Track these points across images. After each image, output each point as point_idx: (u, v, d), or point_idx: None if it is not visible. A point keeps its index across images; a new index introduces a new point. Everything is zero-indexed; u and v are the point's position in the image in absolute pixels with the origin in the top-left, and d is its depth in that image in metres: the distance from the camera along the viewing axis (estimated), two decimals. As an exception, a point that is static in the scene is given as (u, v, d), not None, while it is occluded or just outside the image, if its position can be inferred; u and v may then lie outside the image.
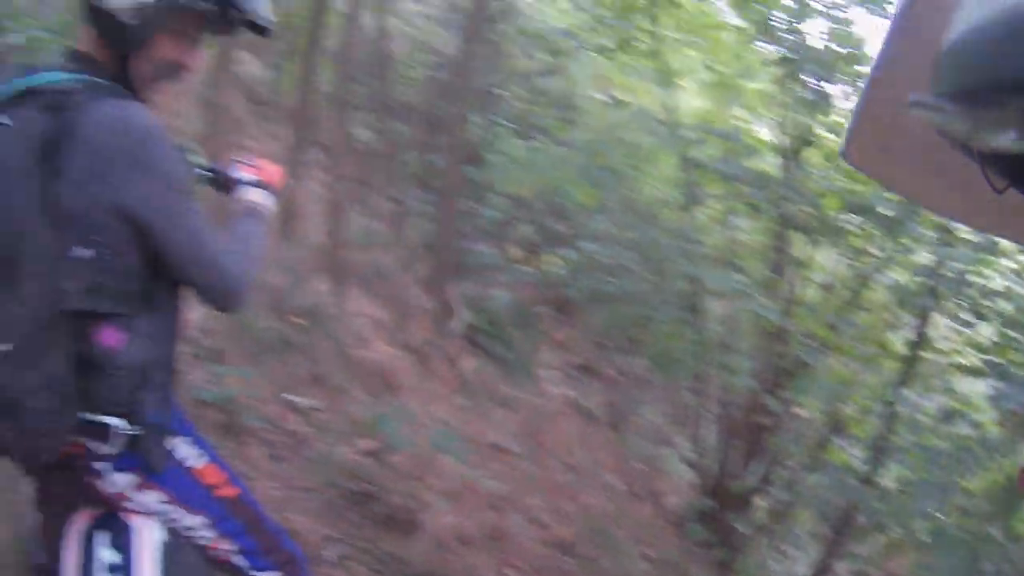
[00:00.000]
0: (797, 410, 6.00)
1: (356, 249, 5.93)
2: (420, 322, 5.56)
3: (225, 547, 2.19)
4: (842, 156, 1.21)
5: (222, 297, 1.98)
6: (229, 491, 2.18)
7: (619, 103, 7.51)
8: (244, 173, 2.28)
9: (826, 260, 6.21)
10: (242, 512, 2.20)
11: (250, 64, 8.80)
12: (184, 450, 2.10)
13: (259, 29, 2.03)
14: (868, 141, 1.13)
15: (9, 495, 3.43)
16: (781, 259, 5.89)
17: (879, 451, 5.04)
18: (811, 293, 6.20)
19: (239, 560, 2.21)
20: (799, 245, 5.85)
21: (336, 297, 5.27)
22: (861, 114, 1.11)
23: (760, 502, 6.22)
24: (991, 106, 0.66)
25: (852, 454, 5.63)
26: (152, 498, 2.05)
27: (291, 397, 4.54)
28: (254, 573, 2.24)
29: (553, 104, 8.71)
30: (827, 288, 6.03)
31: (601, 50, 6.55)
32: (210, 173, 2.29)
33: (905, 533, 4.71)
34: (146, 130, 1.81)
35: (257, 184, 2.25)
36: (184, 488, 2.09)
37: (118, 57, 1.90)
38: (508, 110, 7.53)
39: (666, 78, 6.10)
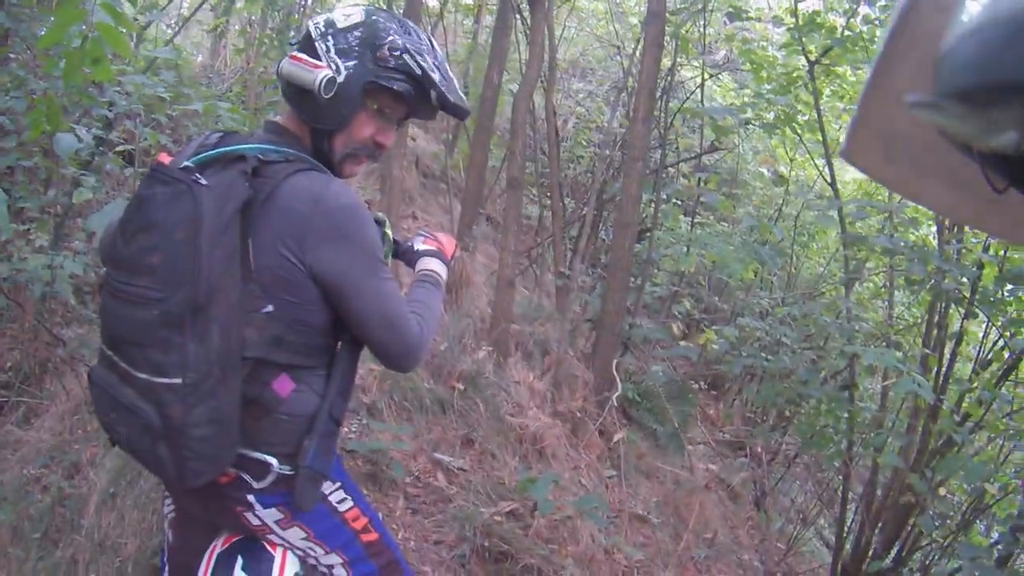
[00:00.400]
0: (942, 491, 5.86)
1: (520, 321, 6.08)
2: (576, 393, 5.64)
3: None
4: (842, 156, 1.20)
5: (402, 358, 2.04)
6: (370, 535, 2.27)
7: (781, 178, 7.52)
8: (423, 243, 2.42)
9: (981, 332, 6.09)
10: (379, 556, 2.29)
11: (421, 139, 9.24)
12: (334, 494, 2.20)
13: (454, 111, 2.13)
14: (868, 141, 1.13)
15: (144, 513, 3.74)
16: (937, 334, 5.84)
17: (1018, 532, 4.87)
18: (965, 368, 6.08)
19: None
20: (955, 319, 5.76)
21: (496, 366, 5.42)
22: (861, 114, 1.10)
23: (899, 585, 6.08)
24: (991, 106, 0.68)
25: (992, 537, 5.45)
26: (294, 534, 2.15)
27: (440, 456, 4.69)
28: None
29: (719, 181, 8.75)
30: (981, 363, 5.92)
31: (765, 125, 6.61)
32: (395, 243, 2.44)
33: None
34: (346, 204, 1.91)
35: (433, 254, 2.38)
36: (326, 528, 2.18)
37: (316, 133, 2.04)
38: (675, 187, 7.66)
39: (827, 150, 6.14)
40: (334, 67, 1.96)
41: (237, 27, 9.52)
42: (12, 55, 5.62)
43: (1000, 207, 1.02)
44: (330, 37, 1.99)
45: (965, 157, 0.83)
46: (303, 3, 8.59)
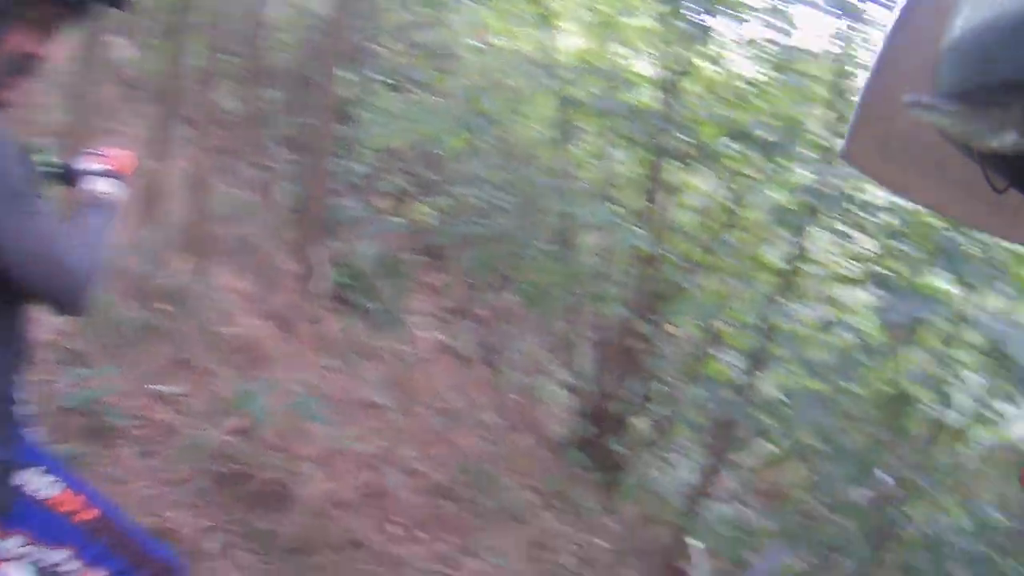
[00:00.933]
0: (671, 330, 6.15)
1: (222, 222, 5.84)
2: (286, 288, 5.55)
3: (95, 574, 2.10)
4: (842, 156, 1.21)
5: (67, 302, 1.84)
6: (88, 514, 2.10)
7: (495, 49, 7.49)
8: (91, 164, 2.18)
9: (704, 186, 6.35)
10: (105, 532, 2.12)
11: (123, 48, 8.62)
12: (35, 481, 2.04)
13: (116, 2, 1.90)
14: (868, 141, 1.13)
15: None
16: (655, 188, 6.03)
17: (757, 362, 5.13)
18: (687, 218, 6.35)
19: None
20: (673, 172, 5.97)
21: (200, 275, 5.21)
22: (861, 114, 1.10)
23: (639, 422, 6.40)
24: (991, 106, 0.68)
25: (731, 365, 5.77)
26: (11, 543, 1.97)
27: (156, 387, 4.47)
28: None
29: (431, 56, 8.66)
30: (703, 212, 6.20)
31: (477, -1, 6.48)
32: (56, 169, 2.20)
33: (791, 443, 4.76)
34: None
35: (105, 174, 2.16)
36: (40, 524, 2.02)
37: None
38: (383, 65, 7.49)
39: (544, 21, 6.17)
40: None
41: None
42: None
43: (1000, 207, 1.02)
44: None
45: (965, 157, 0.82)
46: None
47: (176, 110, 6.09)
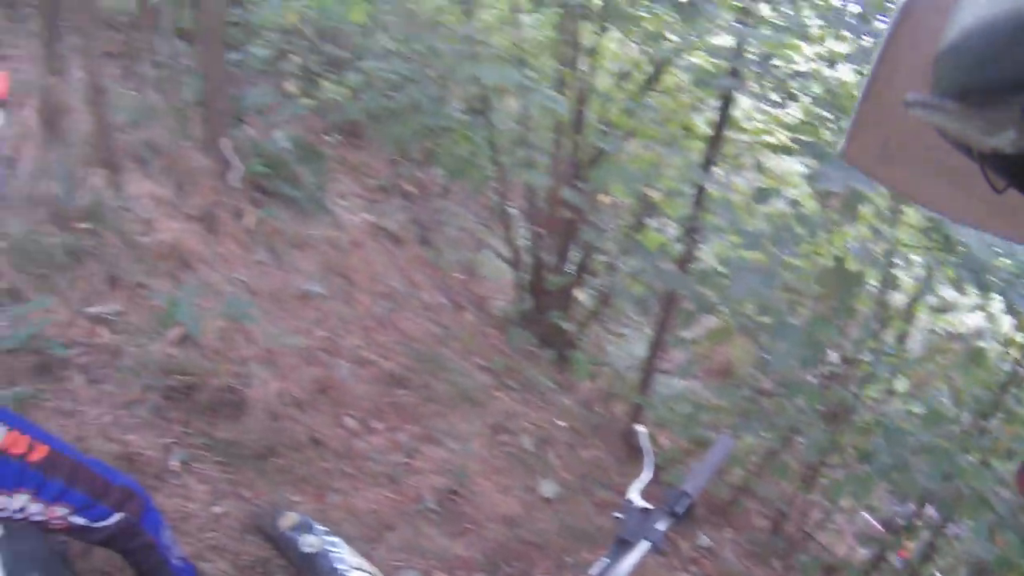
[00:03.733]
0: (603, 199, 6.17)
1: (127, 129, 5.62)
2: (202, 186, 5.37)
3: (58, 513, 2.14)
4: (841, 156, 1.18)
5: None
6: (38, 452, 2.10)
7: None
8: None
9: (621, 50, 6.27)
10: (59, 468, 2.14)
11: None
12: None
13: None
14: (868, 141, 1.11)
15: None
16: (571, 52, 5.92)
17: (693, 232, 5.15)
18: (606, 82, 6.27)
19: (77, 519, 2.17)
20: (588, 36, 5.87)
21: (114, 188, 5.04)
22: (861, 114, 1.08)
23: (582, 295, 6.49)
24: (991, 106, 0.67)
25: (668, 235, 5.83)
26: None
27: (92, 309, 4.36)
28: (96, 525, 2.21)
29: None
30: (622, 76, 6.13)
31: None
32: None
33: (733, 317, 4.82)
34: None
35: None
36: None
37: None
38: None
39: None
40: None
41: None
42: None
43: (1000, 207, 1.01)
44: None
45: (965, 157, 0.80)
46: None
47: (57, 19, 5.73)
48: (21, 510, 2.07)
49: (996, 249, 3.74)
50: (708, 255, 5.47)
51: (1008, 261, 3.95)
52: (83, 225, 4.71)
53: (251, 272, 5.15)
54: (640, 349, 6.28)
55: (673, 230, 5.80)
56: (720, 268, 4.78)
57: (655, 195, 5.74)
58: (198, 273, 4.83)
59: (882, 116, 1.07)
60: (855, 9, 4.40)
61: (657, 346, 5.70)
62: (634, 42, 5.82)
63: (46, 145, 4.85)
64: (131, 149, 5.51)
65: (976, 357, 4.67)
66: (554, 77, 5.95)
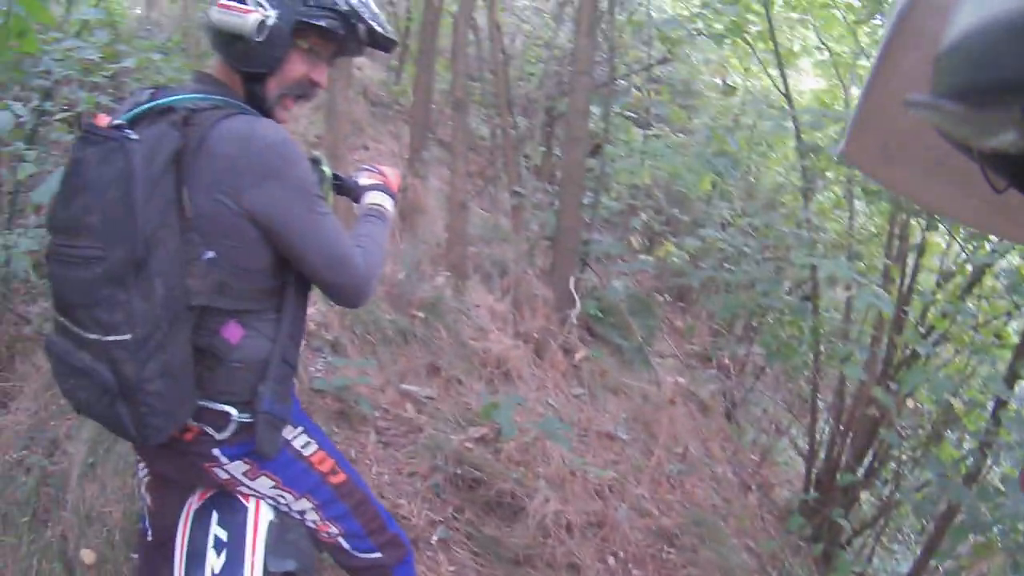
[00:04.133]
0: (910, 403, 5.87)
1: (477, 243, 5.99)
2: (538, 313, 5.58)
3: (331, 530, 2.30)
4: (841, 156, 1.20)
5: (350, 294, 2.06)
6: (338, 477, 2.28)
7: (732, 88, 7.42)
8: (366, 178, 2.40)
9: (944, 245, 6.06)
10: (348, 496, 2.30)
11: (368, 68, 9.05)
12: (297, 439, 2.21)
13: (382, 43, 2.14)
14: (868, 141, 1.13)
15: (124, 479, 3.71)
16: (899, 245, 5.81)
17: (986, 447, 4.85)
18: (928, 280, 6.06)
19: (344, 542, 2.33)
20: (916, 230, 5.73)
21: (455, 290, 5.35)
22: (861, 114, 1.10)
23: (866, 497, 6.12)
24: (991, 106, 0.67)
25: (962, 450, 5.46)
26: (262, 483, 2.17)
27: (407, 387, 4.64)
28: (356, 554, 2.37)
29: (671, 92, 8.66)
30: (944, 275, 5.90)
31: (713, 37, 6.50)
32: (336, 179, 2.40)
33: (1003, 535, 4.52)
34: (274, 142, 1.90)
35: (378, 188, 2.37)
36: (293, 474, 2.20)
37: (246, 78, 2.03)
38: (626, 100, 7.52)
39: (780, 60, 6.04)
40: (262, 10, 1.92)
41: (168, -25, 9.26)
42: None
43: (1000, 207, 1.01)
44: None
45: (965, 157, 0.81)
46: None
47: (428, 132, 6.29)
48: (301, 513, 2.27)
49: None
50: (995, 473, 5.03)
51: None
52: (419, 313, 5.06)
53: (565, 401, 5.27)
54: (904, 568, 5.80)
55: (968, 444, 5.40)
56: (1000, 487, 4.51)
57: (958, 405, 5.35)
58: (517, 388, 4.99)
59: (882, 116, 1.07)
60: None
61: (922, 567, 5.28)
62: (959, 241, 5.60)
63: (400, 235, 5.22)
64: (478, 262, 5.90)
65: None
66: (879, 267, 5.78)
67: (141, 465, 2.35)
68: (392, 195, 2.40)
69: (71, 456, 3.89)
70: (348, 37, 2.05)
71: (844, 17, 6.32)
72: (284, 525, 2.24)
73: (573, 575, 4.17)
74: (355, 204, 2.40)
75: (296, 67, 2.04)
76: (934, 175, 1.12)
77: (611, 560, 4.42)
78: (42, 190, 3.65)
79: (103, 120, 1.88)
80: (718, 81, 9.16)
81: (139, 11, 10.25)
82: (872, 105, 1.06)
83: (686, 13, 7.84)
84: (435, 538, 3.86)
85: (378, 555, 2.40)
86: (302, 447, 2.23)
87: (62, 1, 5.15)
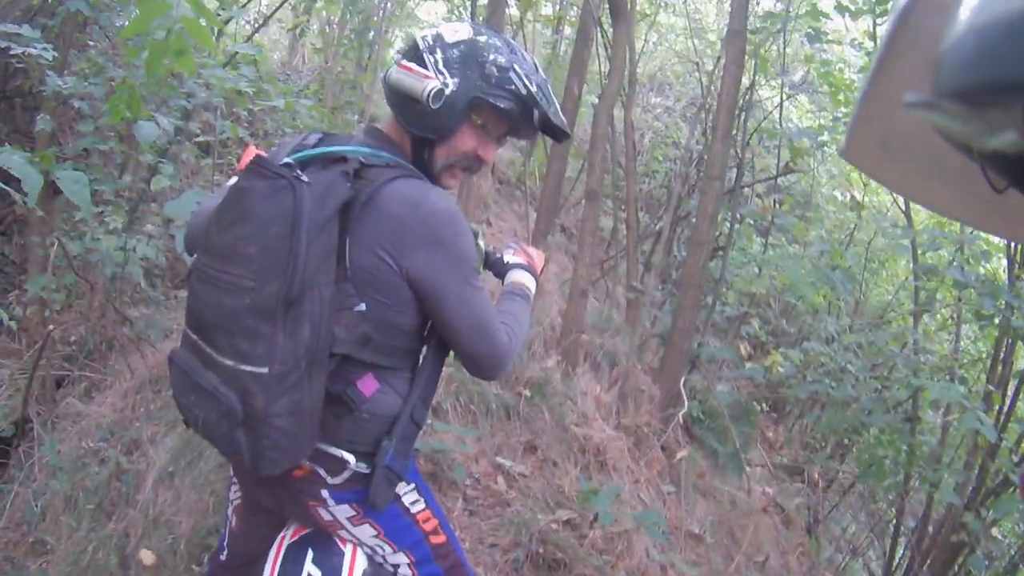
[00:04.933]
0: (994, 531, 5.79)
1: (590, 332, 6.08)
2: (642, 408, 5.65)
3: None
4: (841, 156, 1.20)
5: (490, 365, 2.06)
6: (438, 538, 2.30)
7: (858, 204, 7.48)
8: (512, 256, 2.47)
9: None
10: (445, 558, 2.31)
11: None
12: (407, 495, 2.24)
13: (555, 133, 2.17)
14: (868, 141, 1.12)
15: (201, 494, 3.81)
16: (1001, 371, 5.81)
17: None
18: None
19: None
20: (1020, 357, 5.71)
21: (564, 375, 5.45)
22: (861, 114, 1.08)
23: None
24: (991, 106, 0.67)
25: None
26: (365, 531, 2.18)
27: (502, 460, 4.73)
28: None
29: (793, 203, 8.73)
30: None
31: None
32: (485, 253, 2.45)
33: None
34: (444, 211, 1.93)
35: (523, 267, 2.42)
36: (397, 528, 2.22)
37: (416, 140, 2.07)
38: (749, 207, 7.64)
39: None
40: (442, 79, 1.99)
41: (316, 27, 9.66)
42: (91, 42, 5.82)
43: (1000, 207, 1.02)
44: (439, 50, 2.03)
45: (965, 157, 0.82)
46: (383, 5, 8.72)
47: (554, 217, 6.44)
48: (396, 567, 2.27)
49: None
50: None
51: None
52: (525, 392, 5.16)
53: (656, 496, 5.29)
54: None
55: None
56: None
57: None
58: (611, 478, 5.04)
59: (882, 116, 1.05)
60: None
61: None
62: None
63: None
64: (589, 350, 5.97)
65: None
66: (980, 395, 5.76)
67: (235, 488, 2.39)
68: (536, 276, 2.44)
69: (150, 459, 4.04)
70: (523, 121, 2.09)
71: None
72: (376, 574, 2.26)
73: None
74: (499, 279, 2.45)
75: (466, 140, 2.07)
76: (934, 175, 1.11)
77: (681, 659, 4.37)
78: (174, 205, 3.79)
79: (256, 153, 1.94)
80: (838, 195, 9.21)
81: (279, 55, 10.71)
82: (872, 105, 1.04)
83: (814, 125, 7.97)
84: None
85: None
86: (411, 504, 2.25)
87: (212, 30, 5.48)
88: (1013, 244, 5.51)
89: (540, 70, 2.13)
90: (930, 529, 6.09)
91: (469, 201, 5.99)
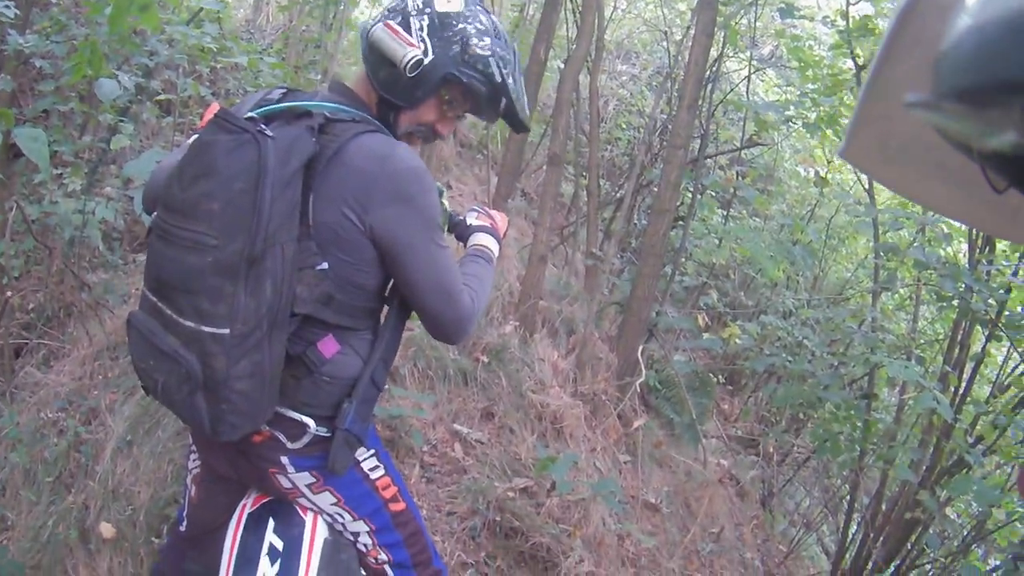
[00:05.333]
0: (949, 510, 5.86)
1: (548, 298, 6.06)
2: (599, 375, 5.63)
3: (380, 556, 2.30)
4: (841, 156, 1.20)
5: (451, 328, 2.04)
6: (397, 505, 2.30)
7: (823, 180, 7.49)
8: (475, 218, 2.44)
9: (1001, 356, 6.06)
10: (404, 526, 2.32)
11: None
12: (367, 460, 2.23)
13: (516, 124, 2.17)
14: (868, 141, 1.12)
15: (160, 463, 3.77)
16: (958, 353, 5.83)
17: (1019, 560, 4.85)
18: (982, 390, 6.08)
19: (390, 571, 2.32)
20: (978, 339, 5.74)
21: (521, 341, 5.42)
22: (861, 114, 1.09)
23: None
24: (991, 106, 0.67)
25: (988, 564, 5.43)
26: (324, 499, 2.18)
27: (459, 427, 4.70)
28: None
29: (756, 176, 8.73)
30: (1001, 387, 5.90)
31: (807, 125, 6.56)
32: (449, 215, 2.44)
33: None
34: (412, 167, 1.92)
35: (486, 230, 2.40)
36: (356, 495, 2.22)
37: (382, 102, 2.06)
38: (712, 178, 7.62)
39: None
40: (423, 47, 1.96)
41: (281, -16, 9.48)
42: (53, 0, 5.64)
43: (1000, 207, 1.03)
44: (425, 16, 2.00)
45: (965, 157, 0.81)
46: (351, -34, 8.54)
47: (516, 181, 6.36)
48: (355, 535, 2.27)
49: None
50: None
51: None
52: (483, 358, 5.13)
53: (610, 466, 5.28)
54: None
55: (994, 560, 5.37)
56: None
57: (997, 516, 5.35)
58: (567, 446, 5.03)
59: (882, 116, 1.06)
60: None
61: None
62: (1020, 353, 5.61)
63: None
64: (547, 317, 5.94)
65: None
66: (936, 375, 5.79)
67: (194, 456, 2.37)
68: (499, 239, 2.43)
69: (108, 429, 3.97)
70: (487, 105, 2.09)
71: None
72: (337, 545, 2.24)
73: (593, 639, 4.17)
74: (460, 242, 2.44)
75: (429, 112, 2.08)
76: (934, 175, 1.12)
77: (635, 628, 4.38)
78: (134, 165, 3.69)
79: (217, 109, 1.88)
80: (801, 170, 9.23)
81: (243, 13, 10.49)
82: (872, 105, 1.05)
83: (781, 100, 7.95)
84: (463, 577, 3.86)
85: None
86: (370, 470, 2.25)
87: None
88: (974, 229, 5.51)
89: (518, 61, 2.13)
90: (884, 506, 6.14)
91: (430, 164, 5.91)
